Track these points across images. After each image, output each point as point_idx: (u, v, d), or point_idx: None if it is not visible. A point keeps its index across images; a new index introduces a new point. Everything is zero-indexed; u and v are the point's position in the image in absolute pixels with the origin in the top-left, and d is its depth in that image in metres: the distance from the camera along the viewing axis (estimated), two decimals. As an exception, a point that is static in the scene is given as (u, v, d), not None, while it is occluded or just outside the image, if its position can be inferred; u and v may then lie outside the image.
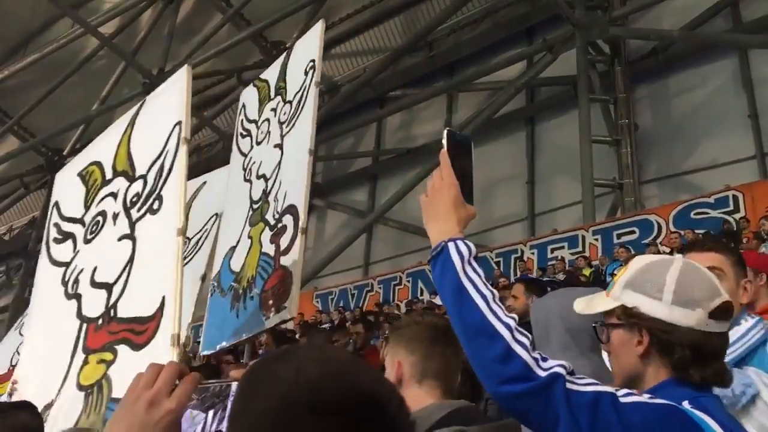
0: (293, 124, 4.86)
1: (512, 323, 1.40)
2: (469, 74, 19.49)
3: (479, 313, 1.41)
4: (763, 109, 15.28)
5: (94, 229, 5.08)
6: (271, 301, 4.32)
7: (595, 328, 1.61)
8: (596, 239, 13.93)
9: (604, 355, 2.30)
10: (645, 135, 16.78)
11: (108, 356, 3.91)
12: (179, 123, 4.65)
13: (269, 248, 4.53)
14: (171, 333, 3.50)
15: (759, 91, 15.40)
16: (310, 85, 4.82)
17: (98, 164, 5.40)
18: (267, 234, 4.66)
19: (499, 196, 17.81)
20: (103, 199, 5.13)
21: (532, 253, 14.51)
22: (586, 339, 2.20)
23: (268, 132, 5.25)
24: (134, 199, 4.88)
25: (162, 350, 3.55)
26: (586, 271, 10.89)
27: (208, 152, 21.51)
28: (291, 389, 0.86)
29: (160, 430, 0.94)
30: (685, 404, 1.38)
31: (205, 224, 6.85)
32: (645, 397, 1.38)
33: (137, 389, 0.98)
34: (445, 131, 1.61)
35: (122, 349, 3.84)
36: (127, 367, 3.53)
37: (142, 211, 4.71)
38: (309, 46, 5.11)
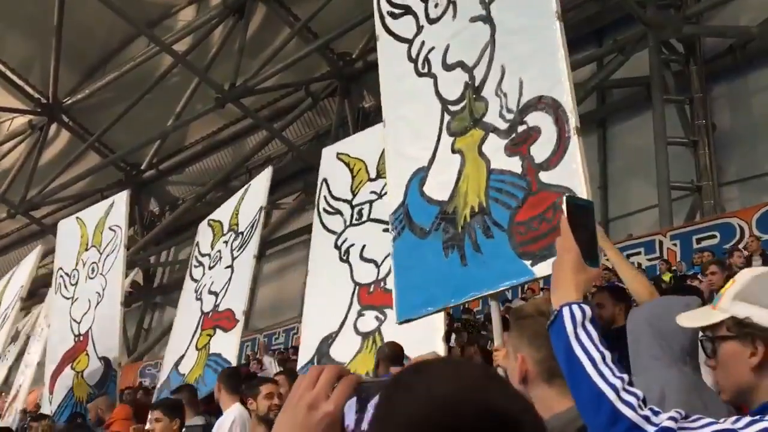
0: None
1: (619, 384, 1.38)
2: (538, 78, 19.16)
3: (586, 376, 1.41)
4: None
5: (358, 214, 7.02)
6: (536, 239, 3.22)
7: (701, 342, 1.56)
8: (674, 244, 13.46)
9: (704, 370, 2.21)
10: (723, 135, 16.15)
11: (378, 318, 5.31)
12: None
13: (507, 162, 3.35)
14: None
15: None
16: None
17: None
18: (496, 143, 3.40)
19: (571, 201, 17.41)
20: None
21: (607, 259, 14.12)
22: (676, 349, 2.12)
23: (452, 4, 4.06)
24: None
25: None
26: (666, 277, 10.49)
27: (278, 164, 21.81)
28: (421, 406, 0.85)
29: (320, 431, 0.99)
30: None
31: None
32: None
33: (299, 391, 1.01)
34: (565, 198, 1.63)
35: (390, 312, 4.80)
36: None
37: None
38: None
